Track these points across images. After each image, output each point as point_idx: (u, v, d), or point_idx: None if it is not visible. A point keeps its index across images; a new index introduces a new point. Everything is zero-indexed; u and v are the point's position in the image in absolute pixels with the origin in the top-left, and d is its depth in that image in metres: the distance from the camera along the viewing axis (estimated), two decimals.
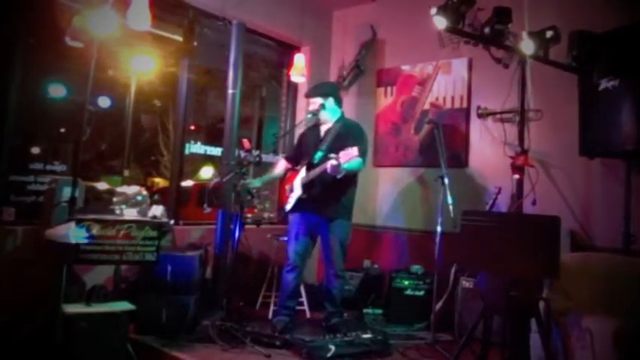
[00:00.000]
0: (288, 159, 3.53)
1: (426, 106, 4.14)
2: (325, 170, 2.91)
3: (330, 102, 3.27)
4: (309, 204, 3.15)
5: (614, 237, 2.96)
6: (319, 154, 3.16)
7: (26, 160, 3.19)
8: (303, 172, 3.19)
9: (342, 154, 2.76)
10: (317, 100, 3.26)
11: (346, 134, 3.20)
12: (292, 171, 3.37)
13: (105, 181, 3.07)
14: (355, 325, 3.24)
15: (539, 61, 3.06)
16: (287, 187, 3.33)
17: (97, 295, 2.64)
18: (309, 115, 3.29)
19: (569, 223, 3.16)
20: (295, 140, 3.76)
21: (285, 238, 3.38)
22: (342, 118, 3.32)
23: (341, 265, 3.20)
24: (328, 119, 3.28)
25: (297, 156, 3.45)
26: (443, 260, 3.18)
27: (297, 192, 3.19)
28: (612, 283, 2.53)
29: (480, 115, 3.76)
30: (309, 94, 3.37)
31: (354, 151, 2.76)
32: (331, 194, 3.16)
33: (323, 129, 3.31)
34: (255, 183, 3.32)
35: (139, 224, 2.72)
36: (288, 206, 3.23)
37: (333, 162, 2.77)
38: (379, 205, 4.38)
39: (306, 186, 3.13)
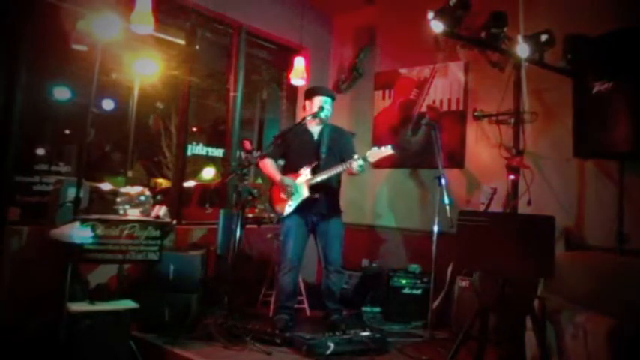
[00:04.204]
0: (272, 158, 3.38)
1: (424, 109, 4.19)
2: (346, 170, 3.07)
3: (331, 106, 3.35)
4: (312, 204, 3.19)
5: (607, 236, 3.00)
6: (324, 157, 3.22)
7: (31, 162, 3.23)
8: (307, 174, 3.20)
9: (370, 154, 2.98)
10: (329, 100, 3.32)
11: (339, 138, 3.35)
12: (287, 173, 3.33)
13: (109, 181, 3.11)
14: (354, 323, 3.30)
15: (534, 65, 3.11)
16: (290, 186, 3.23)
17: (101, 293, 2.67)
18: (309, 117, 3.34)
19: (564, 223, 3.19)
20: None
21: None
22: (329, 123, 3.40)
23: (341, 261, 3.30)
24: (322, 122, 3.33)
25: (280, 156, 3.40)
26: (440, 259, 3.23)
27: (302, 194, 3.19)
28: (606, 281, 2.56)
29: (476, 118, 3.79)
30: (328, 93, 3.39)
31: (387, 150, 2.97)
32: (333, 194, 3.29)
33: (315, 132, 3.33)
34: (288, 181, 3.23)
35: (142, 224, 2.76)
36: (289, 209, 3.22)
37: (360, 162, 2.98)
38: (377, 206, 4.43)
39: (314, 187, 3.18)
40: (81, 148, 2.98)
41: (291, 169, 3.30)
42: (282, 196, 3.24)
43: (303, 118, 3.32)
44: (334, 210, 3.31)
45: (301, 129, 3.36)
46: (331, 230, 3.25)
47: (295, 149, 3.32)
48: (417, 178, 4.19)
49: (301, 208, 3.21)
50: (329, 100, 3.33)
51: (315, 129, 3.34)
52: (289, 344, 2.86)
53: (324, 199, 3.21)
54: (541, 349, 2.34)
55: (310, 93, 3.38)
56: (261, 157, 3.33)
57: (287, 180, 3.21)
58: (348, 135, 3.44)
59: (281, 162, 3.46)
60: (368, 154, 2.99)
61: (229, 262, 3.30)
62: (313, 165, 3.20)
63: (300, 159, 3.27)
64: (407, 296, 3.65)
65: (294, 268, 3.24)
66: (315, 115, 3.27)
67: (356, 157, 3.01)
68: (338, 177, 3.28)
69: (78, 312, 2.45)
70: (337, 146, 3.28)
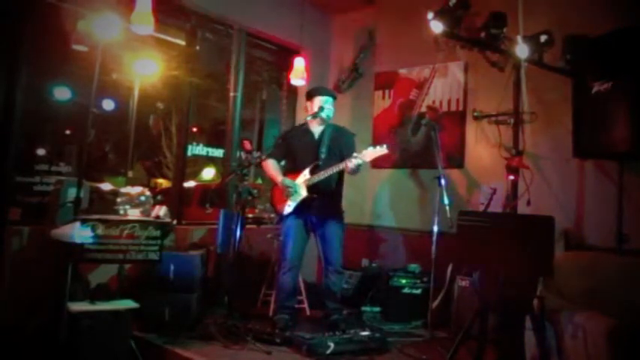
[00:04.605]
0: (275, 159, 3.40)
1: (423, 109, 4.20)
2: (344, 168, 3.08)
3: (333, 106, 3.36)
4: (311, 204, 3.20)
5: (606, 236, 3.00)
6: (323, 157, 3.23)
7: (32, 162, 3.24)
8: (306, 174, 3.21)
9: (366, 153, 2.98)
10: (330, 100, 3.34)
11: (340, 137, 3.35)
12: (289, 173, 3.33)
13: (109, 181, 3.12)
14: (354, 323, 3.30)
15: (534, 65, 3.11)
16: (290, 186, 3.23)
17: (101, 293, 2.67)
18: (309, 118, 3.36)
19: (563, 223, 3.20)
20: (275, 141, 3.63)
21: None
22: (331, 123, 3.41)
23: (340, 261, 3.31)
24: (324, 122, 3.34)
25: (282, 156, 3.42)
26: (439, 259, 3.24)
27: (300, 194, 3.20)
28: (605, 281, 2.57)
29: (475, 118, 3.81)
30: (329, 93, 3.40)
31: (382, 149, 2.97)
32: (333, 194, 3.30)
33: (316, 132, 3.35)
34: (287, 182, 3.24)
35: (143, 224, 2.77)
36: (289, 209, 3.23)
37: (359, 161, 2.99)
38: (377, 206, 4.43)
39: (312, 187, 3.18)
40: (81, 148, 2.99)
41: (292, 170, 3.32)
42: (283, 196, 3.25)
43: (306, 119, 3.35)
44: (334, 210, 3.31)
45: (303, 129, 3.39)
46: (330, 231, 3.26)
47: (297, 150, 3.34)
48: (416, 178, 4.20)
49: (300, 208, 3.22)
50: (330, 99, 3.35)
51: (316, 129, 3.36)
52: (289, 344, 2.87)
53: (323, 200, 3.22)
54: (540, 349, 2.34)
55: (311, 94, 3.40)
56: (264, 158, 3.34)
57: (287, 181, 3.23)
58: (349, 134, 3.44)
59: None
60: (363, 152, 3.01)
61: (229, 262, 3.30)
62: (313, 165, 3.21)
63: (301, 159, 3.29)
64: (407, 296, 3.66)
65: (294, 267, 3.26)
66: (314, 115, 3.28)
67: (355, 155, 3.03)
68: (338, 177, 3.29)
69: (78, 312, 2.46)
70: (338, 146, 3.30)
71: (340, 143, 3.31)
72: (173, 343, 2.79)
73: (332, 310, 3.29)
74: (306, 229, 3.30)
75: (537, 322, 2.39)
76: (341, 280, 3.43)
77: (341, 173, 3.25)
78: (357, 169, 3.06)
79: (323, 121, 3.32)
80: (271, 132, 5.02)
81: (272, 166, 3.34)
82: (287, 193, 3.22)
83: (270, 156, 3.36)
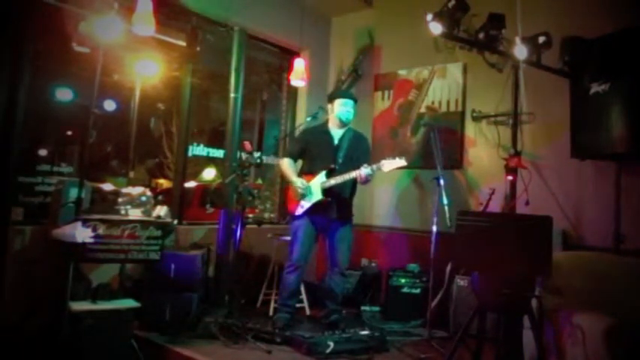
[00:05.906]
0: (291, 158, 3.44)
1: (422, 110, 4.22)
2: (357, 176, 3.09)
3: (353, 108, 3.38)
4: (324, 207, 3.21)
5: (604, 236, 3.02)
6: (340, 161, 3.24)
7: (34, 162, 3.24)
8: (322, 177, 3.22)
9: (384, 163, 3.00)
10: (351, 103, 3.37)
11: (357, 144, 3.37)
12: (305, 175, 3.34)
13: (110, 182, 3.12)
14: (353, 322, 3.33)
15: (532, 66, 3.12)
16: (303, 187, 3.23)
17: (103, 292, 2.68)
18: (309, 118, 3.39)
19: (561, 223, 3.22)
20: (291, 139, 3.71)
21: (287, 238, 3.45)
22: (351, 127, 3.43)
23: (347, 265, 3.34)
24: (344, 125, 3.36)
25: (299, 156, 3.44)
26: (438, 259, 3.25)
27: (315, 196, 3.21)
28: (603, 281, 2.58)
29: (474, 118, 3.83)
30: (348, 96, 3.44)
31: (401, 161, 2.99)
32: (346, 199, 3.31)
33: (336, 135, 3.36)
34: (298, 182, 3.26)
35: (144, 224, 2.78)
36: (302, 210, 3.24)
37: (368, 170, 3.02)
38: (377, 206, 4.45)
39: (327, 191, 3.19)
40: (83, 148, 3.00)
41: (307, 170, 3.33)
42: (296, 197, 3.27)
43: (326, 120, 3.40)
44: (345, 215, 3.31)
45: (321, 130, 3.41)
46: (341, 234, 3.28)
47: (314, 150, 3.35)
48: (416, 178, 4.21)
49: (313, 210, 3.23)
50: (350, 102, 3.36)
51: (336, 132, 3.37)
52: (289, 343, 2.89)
53: (336, 203, 3.23)
54: (539, 348, 2.35)
55: (332, 96, 3.45)
56: (282, 156, 3.43)
57: (300, 182, 3.24)
58: (367, 143, 3.49)
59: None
60: (382, 162, 3.03)
61: (230, 262, 3.32)
62: (329, 168, 3.22)
63: (318, 161, 3.30)
64: (406, 295, 3.68)
65: (300, 267, 3.27)
66: (314, 116, 3.35)
67: (373, 165, 3.06)
68: (352, 183, 3.30)
69: (80, 311, 2.48)
70: (355, 153, 3.31)
71: (357, 150, 3.33)
72: (174, 342, 2.81)
73: (331, 311, 3.31)
74: (316, 231, 3.31)
75: (536, 322, 2.40)
76: (344, 282, 3.44)
77: (355, 179, 3.24)
78: (369, 179, 3.08)
79: (343, 124, 3.34)
80: (271, 133, 5.03)
81: (287, 165, 3.37)
82: (300, 194, 3.22)
83: (286, 155, 3.43)
